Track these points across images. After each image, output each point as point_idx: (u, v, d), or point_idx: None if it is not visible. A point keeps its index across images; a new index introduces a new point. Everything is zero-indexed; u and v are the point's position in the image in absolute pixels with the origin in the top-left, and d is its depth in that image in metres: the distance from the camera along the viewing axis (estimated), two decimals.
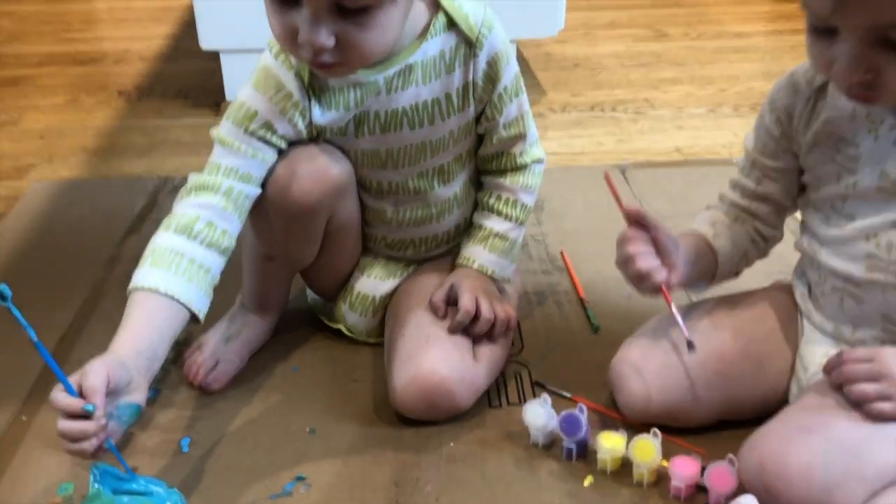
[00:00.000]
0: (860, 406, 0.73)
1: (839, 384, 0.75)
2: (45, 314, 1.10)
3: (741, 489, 0.75)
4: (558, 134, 1.73)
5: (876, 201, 0.77)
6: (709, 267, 0.87)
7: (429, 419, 0.91)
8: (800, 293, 0.88)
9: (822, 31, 0.69)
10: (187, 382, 0.97)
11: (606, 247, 1.28)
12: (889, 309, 0.78)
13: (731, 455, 0.77)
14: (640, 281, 0.81)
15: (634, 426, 0.86)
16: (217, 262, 0.86)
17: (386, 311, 1.03)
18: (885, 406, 0.72)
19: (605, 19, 2.55)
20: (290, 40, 0.78)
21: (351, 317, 1.04)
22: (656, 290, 0.82)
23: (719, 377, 0.84)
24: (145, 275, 0.82)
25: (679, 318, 0.83)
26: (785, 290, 0.91)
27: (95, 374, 0.71)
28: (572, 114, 1.85)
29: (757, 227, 0.90)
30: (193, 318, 0.84)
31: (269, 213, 0.91)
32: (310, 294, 1.10)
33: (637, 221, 0.82)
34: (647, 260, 0.81)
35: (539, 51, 2.25)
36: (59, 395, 0.71)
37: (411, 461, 0.87)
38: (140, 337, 0.78)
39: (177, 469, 0.85)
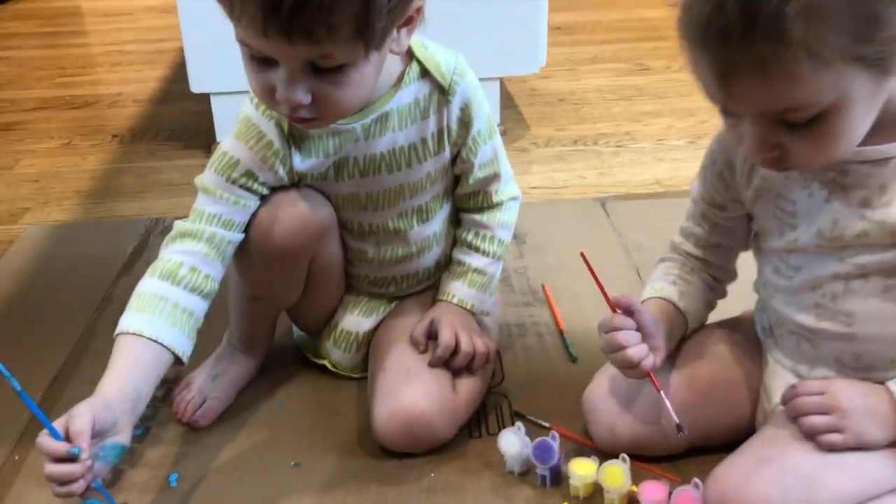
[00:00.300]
0: (813, 438, 0.76)
1: (793, 417, 0.78)
2: (38, 354, 1.14)
3: None
4: (542, 168, 1.77)
5: (818, 255, 0.78)
6: (681, 330, 0.90)
7: (410, 451, 0.93)
8: (761, 328, 0.91)
9: (728, 112, 0.71)
10: (176, 419, 1.00)
11: (586, 280, 1.31)
12: (841, 353, 0.80)
13: (696, 479, 0.80)
14: (630, 368, 0.83)
15: (606, 453, 0.88)
16: (200, 306, 0.89)
17: (369, 347, 1.06)
18: (834, 438, 0.75)
19: (588, 54, 2.61)
20: (268, 97, 0.82)
21: (335, 353, 1.07)
22: (644, 375, 0.83)
23: (688, 408, 0.87)
24: (131, 319, 0.86)
25: (668, 403, 0.83)
26: (751, 319, 0.94)
27: (82, 417, 0.74)
28: (556, 148, 1.89)
29: (713, 273, 0.92)
30: (178, 360, 0.87)
31: (252, 256, 0.95)
32: (296, 331, 1.13)
33: (623, 308, 0.83)
34: (636, 349, 0.82)
35: (524, 86, 2.30)
36: (45, 440, 0.74)
37: (393, 492, 0.89)
38: (125, 379, 0.81)
39: (165, 503, 0.88)
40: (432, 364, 0.96)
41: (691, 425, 0.87)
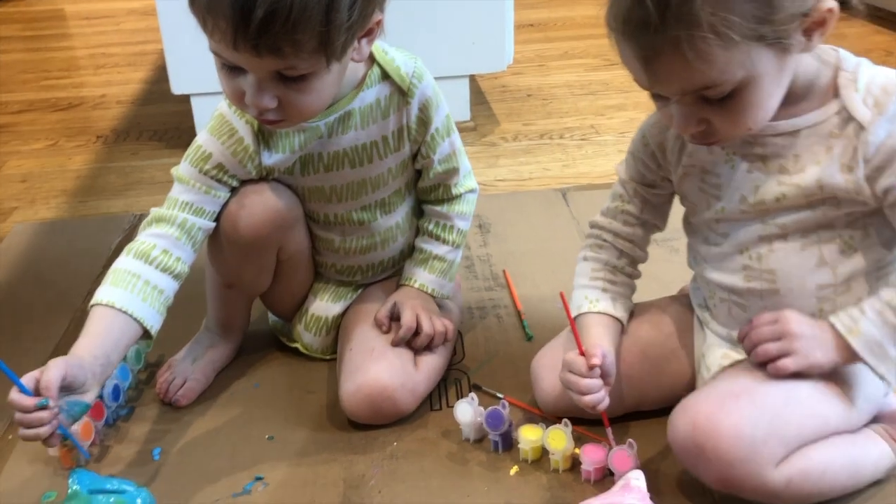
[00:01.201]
0: (765, 366, 0.83)
1: (750, 349, 0.85)
2: (28, 344, 1.21)
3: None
4: (508, 162, 1.85)
5: (743, 221, 0.87)
6: (620, 336, 0.96)
7: (375, 423, 1.01)
8: (697, 304, 0.99)
9: (656, 95, 0.80)
10: (159, 399, 1.08)
11: (545, 265, 1.41)
12: (768, 312, 0.87)
13: (630, 440, 0.88)
14: (587, 409, 0.89)
15: (551, 418, 0.96)
16: (170, 285, 0.97)
17: (338, 330, 1.14)
18: (786, 362, 0.82)
19: (559, 50, 2.69)
20: (238, 100, 0.90)
21: (306, 336, 1.14)
22: (598, 413, 0.90)
23: (623, 378, 0.95)
24: (105, 292, 0.93)
25: (611, 436, 0.90)
26: (686, 297, 1.02)
27: (56, 369, 0.83)
28: (523, 142, 1.97)
29: (633, 255, 0.99)
30: (146, 333, 0.94)
31: (223, 244, 1.02)
32: (271, 317, 1.21)
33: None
34: (594, 396, 0.89)
35: (495, 82, 2.38)
36: (17, 396, 0.83)
37: (358, 460, 0.97)
38: (97, 344, 0.89)
39: (149, 474, 0.96)
40: (395, 343, 1.04)
41: (626, 393, 0.96)
